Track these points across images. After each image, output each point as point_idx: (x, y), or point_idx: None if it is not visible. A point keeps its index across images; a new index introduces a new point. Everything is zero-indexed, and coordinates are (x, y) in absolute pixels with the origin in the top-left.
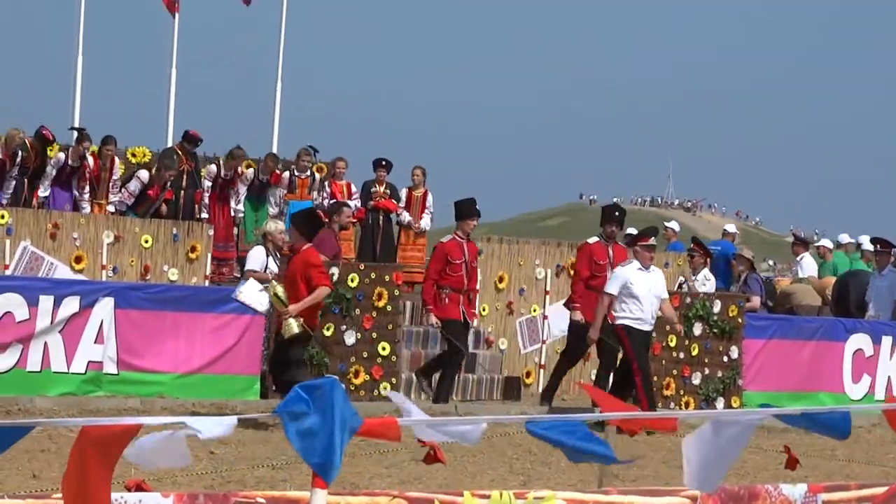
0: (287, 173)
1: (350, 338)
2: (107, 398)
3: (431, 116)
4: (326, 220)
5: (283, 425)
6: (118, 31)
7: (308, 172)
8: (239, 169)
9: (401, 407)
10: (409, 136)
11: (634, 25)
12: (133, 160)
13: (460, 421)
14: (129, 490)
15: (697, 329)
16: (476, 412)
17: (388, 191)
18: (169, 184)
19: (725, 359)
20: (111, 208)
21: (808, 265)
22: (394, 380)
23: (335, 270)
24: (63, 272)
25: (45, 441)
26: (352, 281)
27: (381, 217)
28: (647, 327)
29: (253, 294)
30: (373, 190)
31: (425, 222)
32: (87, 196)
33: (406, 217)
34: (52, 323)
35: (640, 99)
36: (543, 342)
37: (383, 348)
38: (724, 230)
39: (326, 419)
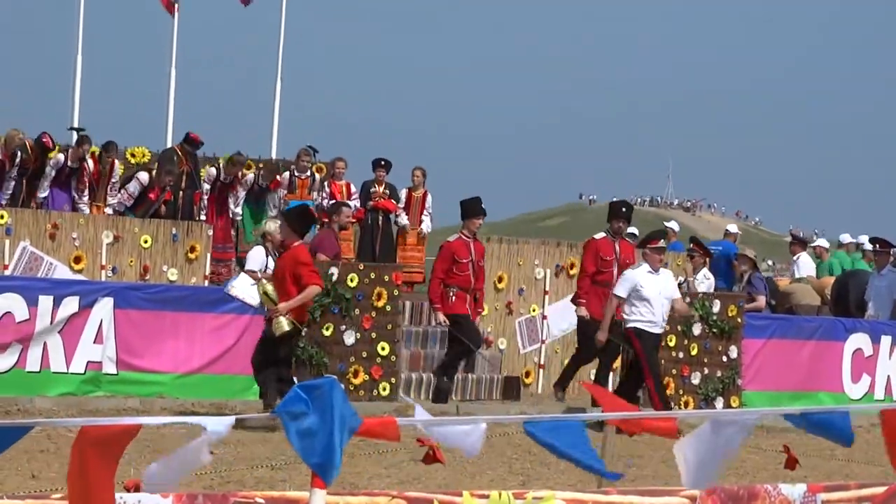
0: (287, 173)
1: (349, 338)
2: (106, 398)
3: (431, 116)
4: (326, 220)
5: (283, 425)
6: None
7: (308, 173)
8: (239, 173)
9: (412, 405)
10: (408, 136)
11: (634, 25)
12: (132, 160)
13: (460, 421)
14: (128, 490)
15: (697, 329)
16: (476, 412)
17: (388, 191)
18: (168, 186)
19: (725, 358)
20: (109, 210)
21: (804, 264)
22: (393, 380)
23: (335, 270)
24: (62, 272)
25: (44, 441)
26: (351, 281)
27: (380, 217)
28: (657, 330)
29: (245, 288)
30: (372, 190)
31: (426, 226)
32: (85, 199)
33: (403, 220)
34: (51, 323)
35: (640, 99)
36: (543, 342)
37: (383, 348)
38: (726, 230)
39: (326, 419)
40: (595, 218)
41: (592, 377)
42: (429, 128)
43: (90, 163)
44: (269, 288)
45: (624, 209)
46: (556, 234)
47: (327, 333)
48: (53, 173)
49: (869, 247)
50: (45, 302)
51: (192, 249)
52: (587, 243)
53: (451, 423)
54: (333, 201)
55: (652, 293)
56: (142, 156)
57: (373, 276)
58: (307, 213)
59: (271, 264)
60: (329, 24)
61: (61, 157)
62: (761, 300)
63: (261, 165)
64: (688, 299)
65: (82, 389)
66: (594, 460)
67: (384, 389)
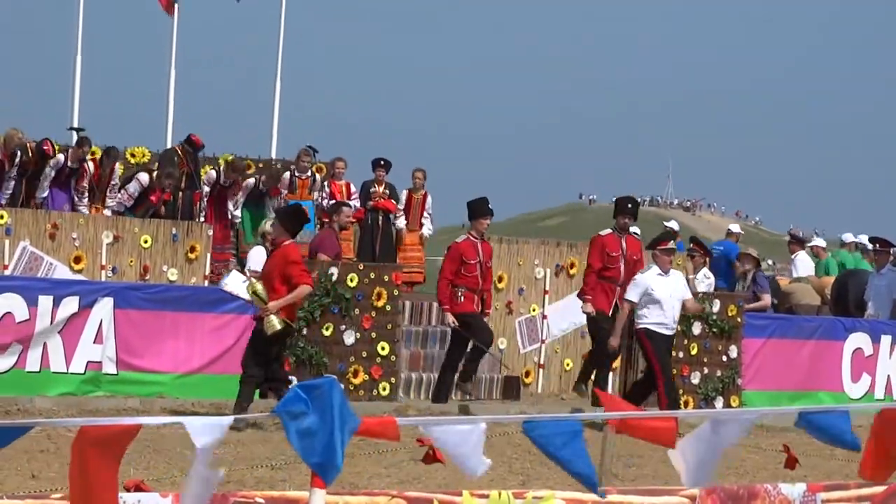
0: (287, 174)
1: (349, 337)
2: (106, 398)
3: (431, 116)
4: (326, 219)
5: (283, 425)
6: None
7: (308, 173)
8: (240, 178)
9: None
10: (408, 136)
11: (634, 25)
12: (132, 160)
13: (460, 420)
14: (127, 490)
15: (696, 328)
16: (475, 412)
17: (388, 191)
18: (168, 189)
19: (724, 358)
20: (108, 212)
21: (801, 263)
22: (393, 379)
23: (335, 270)
24: (62, 272)
25: (44, 441)
26: (351, 281)
27: (380, 217)
28: (668, 331)
29: (237, 284)
30: (372, 190)
31: (426, 229)
32: (85, 201)
33: (401, 223)
34: (51, 323)
35: (640, 99)
36: (543, 342)
37: (382, 348)
38: (729, 230)
39: (325, 419)
40: (595, 218)
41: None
42: (429, 128)
43: (90, 165)
44: (259, 287)
45: (630, 205)
46: (555, 233)
47: (327, 333)
48: (53, 174)
49: (869, 246)
50: (45, 302)
51: (192, 249)
52: (593, 239)
53: (451, 422)
54: (333, 201)
55: (663, 295)
56: (142, 156)
57: (373, 275)
58: (300, 212)
59: None
60: (329, 24)
61: (61, 157)
62: (767, 299)
63: (261, 165)
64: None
65: (82, 389)
66: (586, 467)
67: (384, 389)
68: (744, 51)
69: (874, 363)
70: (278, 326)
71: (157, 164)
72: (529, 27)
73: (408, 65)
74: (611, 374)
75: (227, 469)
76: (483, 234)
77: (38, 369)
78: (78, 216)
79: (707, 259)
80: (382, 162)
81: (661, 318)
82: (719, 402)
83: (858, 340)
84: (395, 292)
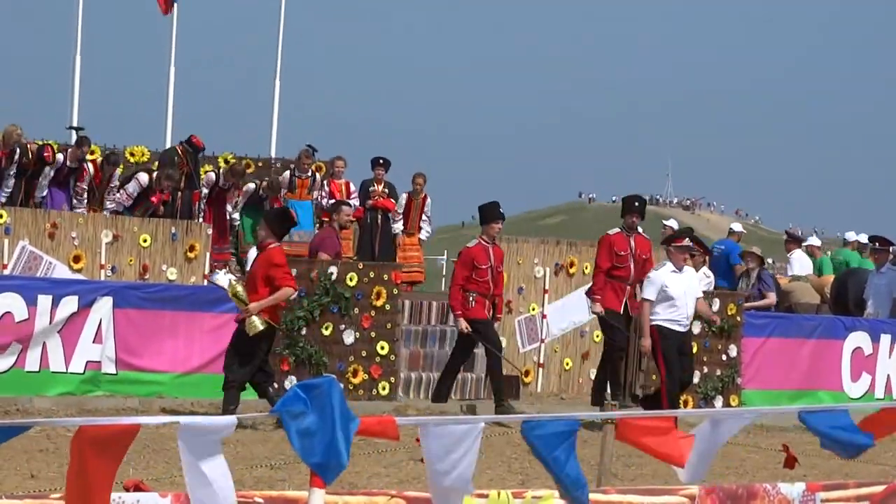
0: (287, 173)
1: (349, 337)
2: (105, 398)
3: (431, 116)
4: (326, 219)
5: (284, 425)
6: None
7: (308, 173)
8: (239, 182)
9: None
10: (408, 135)
11: (634, 25)
12: (132, 159)
13: (458, 420)
14: (127, 490)
15: (696, 327)
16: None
17: (387, 190)
18: (167, 190)
19: (724, 357)
20: (107, 214)
21: (796, 261)
22: (392, 379)
23: (334, 269)
24: (61, 272)
25: (43, 441)
26: (350, 280)
27: (379, 216)
28: (682, 328)
29: (225, 283)
30: (371, 189)
31: (424, 233)
32: (84, 203)
33: (398, 227)
34: (50, 323)
35: (640, 98)
36: (542, 341)
37: (382, 347)
38: (731, 229)
39: (325, 418)
40: (594, 216)
41: (592, 377)
42: (428, 127)
43: (90, 167)
44: (239, 289)
45: (637, 203)
46: (555, 232)
47: (326, 333)
48: (52, 173)
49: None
50: (45, 301)
51: (192, 249)
52: (601, 239)
53: (451, 422)
54: (333, 200)
55: (677, 292)
56: (141, 155)
57: (372, 275)
58: (287, 215)
59: None
60: (328, 23)
61: (60, 156)
62: (772, 297)
63: (260, 164)
64: None
65: (81, 389)
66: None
67: (383, 389)
68: (743, 51)
69: (874, 362)
70: (260, 327)
71: (157, 163)
72: (529, 27)
73: (408, 64)
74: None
75: None
76: (494, 238)
77: (37, 369)
78: (77, 215)
79: (706, 258)
80: (381, 161)
81: (674, 315)
82: (719, 402)
83: (858, 339)
84: (395, 291)
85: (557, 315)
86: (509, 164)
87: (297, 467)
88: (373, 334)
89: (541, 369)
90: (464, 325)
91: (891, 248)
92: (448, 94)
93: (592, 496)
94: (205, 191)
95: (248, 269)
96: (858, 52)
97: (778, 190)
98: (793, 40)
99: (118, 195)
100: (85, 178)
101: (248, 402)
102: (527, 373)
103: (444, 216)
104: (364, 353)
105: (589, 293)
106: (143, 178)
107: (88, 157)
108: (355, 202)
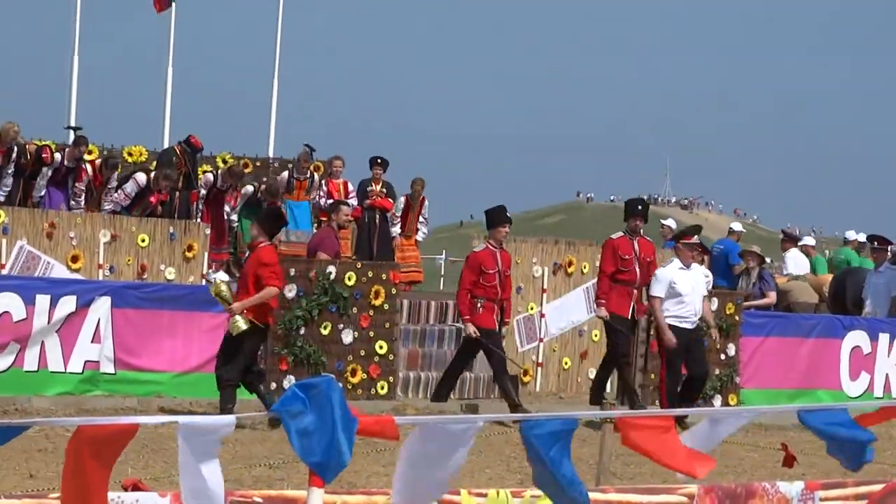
0: (285, 174)
1: (347, 336)
2: (104, 398)
3: (431, 116)
4: (325, 218)
5: (283, 424)
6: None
7: (307, 174)
8: (238, 184)
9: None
10: (407, 135)
11: (633, 25)
12: (129, 159)
13: (458, 420)
14: (125, 490)
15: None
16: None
17: (385, 189)
18: (165, 190)
19: (723, 356)
20: (105, 214)
21: (792, 261)
22: (391, 378)
23: (332, 269)
24: (60, 271)
25: (42, 441)
26: (349, 279)
27: (377, 216)
28: (688, 325)
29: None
30: (369, 188)
31: (421, 234)
32: (82, 203)
33: (396, 230)
34: (48, 322)
35: (638, 98)
36: (541, 340)
37: (380, 347)
38: (730, 228)
39: (324, 418)
40: (592, 216)
41: (591, 377)
42: (428, 127)
43: (89, 168)
44: (223, 288)
45: (640, 207)
46: (553, 232)
47: (325, 332)
48: (50, 173)
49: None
50: (43, 301)
51: (190, 248)
52: (605, 243)
53: (450, 421)
54: (332, 200)
55: (685, 289)
56: (139, 154)
57: (370, 274)
58: (279, 215)
59: None
60: (327, 23)
61: (58, 156)
62: (772, 296)
63: (258, 164)
64: None
65: (80, 389)
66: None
67: (382, 388)
68: (742, 51)
69: (872, 361)
70: (243, 327)
71: (155, 163)
72: (529, 27)
73: (407, 64)
74: (610, 374)
75: (224, 468)
76: (501, 242)
77: (35, 369)
78: (75, 215)
79: (705, 257)
80: (379, 160)
81: (681, 312)
82: (717, 401)
83: (857, 338)
84: (393, 291)
85: (556, 314)
86: (508, 163)
87: (295, 466)
88: (371, 334)
89: (539, 369)
90: (472, 329)
91: (889, 248)
92: (447, 94)
93: (591, 495)
94: (202, 192)
95: None
96: (858, 52)
97: (776, 189)
98: (793, 40)
99: (116, 195)
100: (83, 178)
101: (248, 401)
102: (525, 372)
103: (443, 215)
104: (363, 353)
105: (595, 299)
106: (141, 177)
107: (87, 157)
108: (353, 202)
